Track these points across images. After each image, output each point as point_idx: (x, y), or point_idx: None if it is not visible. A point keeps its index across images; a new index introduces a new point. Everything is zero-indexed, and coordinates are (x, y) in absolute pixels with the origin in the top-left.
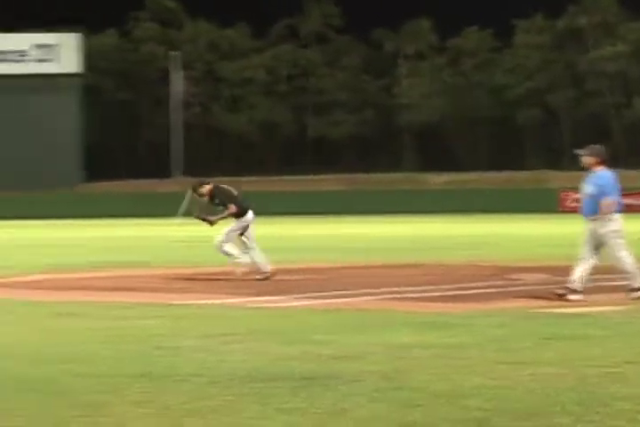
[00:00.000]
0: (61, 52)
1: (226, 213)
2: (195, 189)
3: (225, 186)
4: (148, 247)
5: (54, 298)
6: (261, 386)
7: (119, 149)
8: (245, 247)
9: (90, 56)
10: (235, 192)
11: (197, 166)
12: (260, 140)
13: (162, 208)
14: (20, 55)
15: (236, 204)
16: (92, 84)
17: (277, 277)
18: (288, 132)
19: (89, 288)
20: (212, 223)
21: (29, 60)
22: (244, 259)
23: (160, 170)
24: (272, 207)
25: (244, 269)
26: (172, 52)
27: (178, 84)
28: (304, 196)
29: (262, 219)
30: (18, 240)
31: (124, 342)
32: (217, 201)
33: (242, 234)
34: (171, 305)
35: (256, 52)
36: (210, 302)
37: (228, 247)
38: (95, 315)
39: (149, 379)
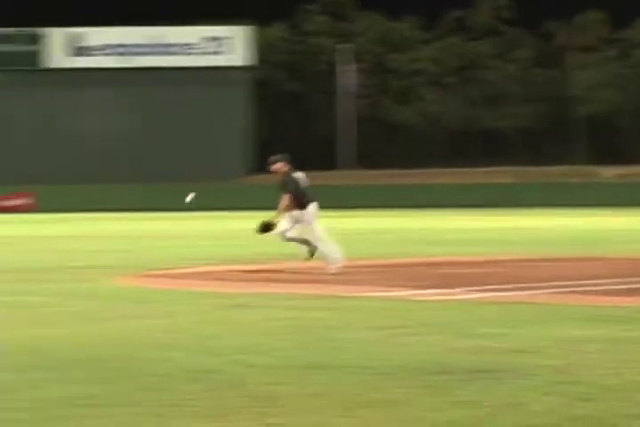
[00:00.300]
0: (232, 45)
1: (282, 203)
2: (270, 163)
3: (297, 175)
4: None
5: (225, 289)
6: (433, 378)
7: (288, 141)
8: (283, 239)
9: (260, 49)
10: (302, 185)
11: (366, 158)
12: (428, 132)
13: (330, 201)
14: (190, 48)
15: (295, 195)
16: (261, 77)
17: (449, 270)
18: (456, 125)
19: (258, 280)
20: (270, 227)
21: (199, 53)
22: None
23: (328, 162)
24: (440, 200)
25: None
26: (341, 45)
27: (348, 76)
28: (472, 188)
29: (431, 211)
30: (191, 231)
31: (295, 334)
32: (282, 185)
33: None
34: (342, 297)
35: (425, 44)
36: (381, 294)
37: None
38: (266, 306)
39: (321, 371)
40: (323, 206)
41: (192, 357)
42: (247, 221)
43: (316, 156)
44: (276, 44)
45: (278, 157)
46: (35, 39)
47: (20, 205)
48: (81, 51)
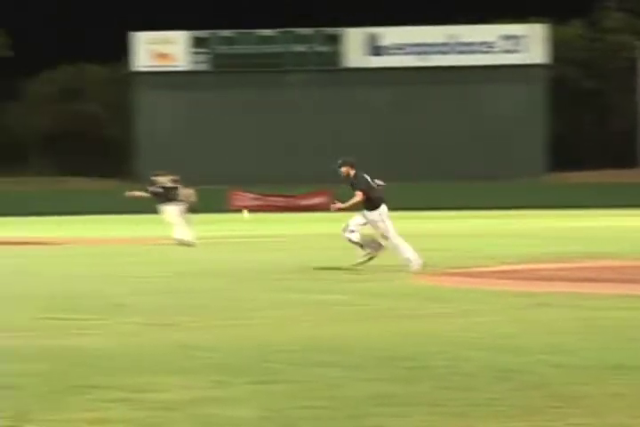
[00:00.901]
0: (528, 44)
1: (353, 199)
2: (339, 166)
3: (367, 177)
4: (618, 238)
5: (523, 288)
6: None
7: (585, 138)
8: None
9: (555, 47)
10: (372, 184)
11: None
12: None
13: (628, 198)
14: (488, 46)
15: (366, 193)
16: (557, 75)
17: None
18: None
19: (557, 279)
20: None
21: (496, 52)
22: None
23: (627, 160)
24: None
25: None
26: (639, 42)
27: None
28: None
29: None
30: (490, 230)
31: (599, 333)
32: (352, 185)
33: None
34: None
35: None
36: None
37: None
38: (566, 305)
39: (624, 371)
40: (618, 205)
41: (495, 356)
42: (546, 220)
43: (613, 153)
44: (571, 41)
45: (344, 160)
46: (333, 39)
47: (317, 204)
48: (378, 50)
